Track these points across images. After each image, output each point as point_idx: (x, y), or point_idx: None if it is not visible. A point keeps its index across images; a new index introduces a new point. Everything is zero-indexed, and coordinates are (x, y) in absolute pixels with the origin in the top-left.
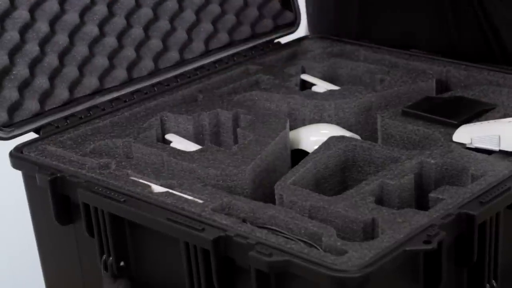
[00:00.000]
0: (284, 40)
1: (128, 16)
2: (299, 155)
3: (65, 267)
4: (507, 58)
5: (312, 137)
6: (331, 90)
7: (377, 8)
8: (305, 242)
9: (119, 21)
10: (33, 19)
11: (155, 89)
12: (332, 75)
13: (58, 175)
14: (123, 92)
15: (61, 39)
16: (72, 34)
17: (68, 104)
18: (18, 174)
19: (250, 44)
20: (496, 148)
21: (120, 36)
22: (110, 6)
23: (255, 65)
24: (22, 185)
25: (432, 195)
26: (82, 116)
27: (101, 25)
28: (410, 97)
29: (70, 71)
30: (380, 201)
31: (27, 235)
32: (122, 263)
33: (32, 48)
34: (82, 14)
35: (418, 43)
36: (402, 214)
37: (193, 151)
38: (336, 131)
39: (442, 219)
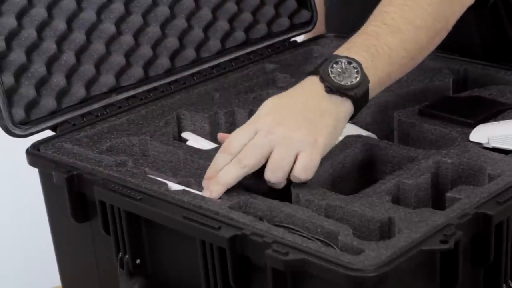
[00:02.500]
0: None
1: (145, 14)
2: None
3: (81, 264)
4: None
5: None
6: None
7: None
8: (321, 241)
9: (136, 19)
10: (50, 17)
11: (172, 87)
12: None
13: (75, 172)
14: (139, 90)
15: (78, 37)
16: (89, 32)
17: (85, 102)
18: (35, 171)
19: (267, 43)
20: None
21: (137, 34)
22: (127, 4)
23: (271, 64)
24: (38, 182)
25: (448, 194)
26: (99, 114)
27: (118, 23)
28: (426, 97)
29: (87, 69)
30: (396, 200)
31: (43, 233)
32: (138, 261)
33: (49, 46)
34: (99, 12)
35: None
36: (418, 213)
37: (210, 149)
38: (352, 130)
39: (459, 219)
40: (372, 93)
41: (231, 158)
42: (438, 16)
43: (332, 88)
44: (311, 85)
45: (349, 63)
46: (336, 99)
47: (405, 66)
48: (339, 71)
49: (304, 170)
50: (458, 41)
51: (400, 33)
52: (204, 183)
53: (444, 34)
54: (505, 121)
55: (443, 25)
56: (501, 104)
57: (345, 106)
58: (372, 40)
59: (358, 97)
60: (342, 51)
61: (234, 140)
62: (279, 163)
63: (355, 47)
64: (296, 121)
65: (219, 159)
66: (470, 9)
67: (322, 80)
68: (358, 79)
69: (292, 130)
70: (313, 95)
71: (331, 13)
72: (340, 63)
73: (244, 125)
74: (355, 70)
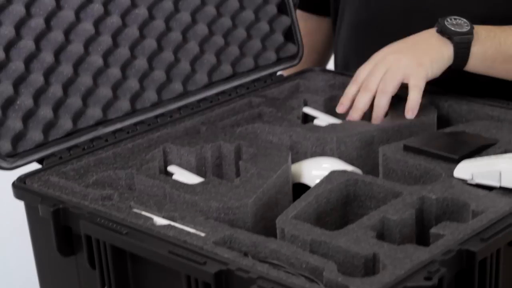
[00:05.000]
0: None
1: (132, 47)
2: (300, 189)
3: None
4: None
5: (314, 171)
6: (333, 124)
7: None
8: (306, 277)
9: (123, 52)
10: (38, 49)
11: (158, 120)
12: (334, 109)
13: (61, 206)
14: (126, 123)
15: (66, 69)
16: (77, 65)
17: (72, 135)
18: (21, 204)
19: (253, 76)
20: (497, 184)
21: (124, 67)
22: (114, 37)
23: (258, 98)
24: (24, 215)
25: (433, 231)
26: (85, 147)
27: (106, 56)
28: (411, 132)
29: (74, 101)
30: (381, 236)
31: (28, 266)
32: None
33: (36, 78)
34: (86, 45)
35: None
36: (403, 249)
37: (195, 184)
38: (337, 165)
39: (443, 255)
40: (474, 62)
41: (358, 87)
42: None
43: (442, 29)
44: (427, 30)
45: (464, 22)
46: (443, 39)
47: (509, 66)
48: (454, 23)
49: (414, 87)
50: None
51: None
52: (338, 109)
53: None
54: (489, 157)
55: None
56: (485, 139)
57: (448, 48)
58: (495, 29)
59: (459, 45)
60: None
61: (359, 73)
62: (390, 78)
63: (478, 26)
64: (407, 50)
65: (349, 89)
66: None
67: (437, 24)
68: (465, 30)
69: (401, 55)
70: (425, 34)
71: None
72: (457, 19)
73: (365, 63)
74: (466, 25)
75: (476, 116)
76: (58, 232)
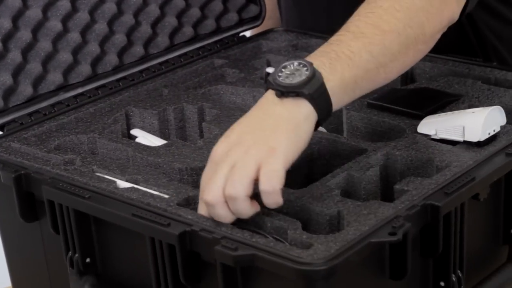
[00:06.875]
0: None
1: (92, 11)
2: None
3: (31, 264)
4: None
5: None
6: None
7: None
8: (271, 236)
9: (82, 16)
10: None
11: (120, 84)
12: None
13: (23, 172)
14: (87, 87)
15: (24, 35)
16: (36, 30)
17: (32, 100)
18: None
19: (215, 38)
20: (461, 139)
21: (84, 32)
22: (73, 1)
23: (220, 59)
24: None
25: (397, 186)
26: (47, 112)
27: (65, 20)
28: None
29: (34, 67)
30: (345, 193)
31: None
32: (88, 260)
33: None
34: (45, 10)
35: None
36: (367, 206)
37: (158, 146)
38: None
39: (407, 211)
40: (337, 96)
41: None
42: (410, 22)
43: (282, 90)
44: (264, 97)
45: (298, 64)
46: (289, 102)
47: (373, 73)
48: (288, 74)
49: (268, 181)
50: None
51: (364, 37)
52: None
53: (421, 44)
54: (452, 112)
55: (417, 32)
56: (449, 95)
57: (301, 107)
58: (332, 46)
59: (313, 94)
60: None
61: (201, 181)
62: (238, 176)
63: (313, 55)
64: (251, 136)
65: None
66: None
67: (273, 86)
68: (308, 75)
69: (247, 147)
70: (266, 105)
71: (284, 8)
72: (288, 66)
73: (207, 165)
74: (305, 69)
75: (439, 72)
76: (20, 198)
